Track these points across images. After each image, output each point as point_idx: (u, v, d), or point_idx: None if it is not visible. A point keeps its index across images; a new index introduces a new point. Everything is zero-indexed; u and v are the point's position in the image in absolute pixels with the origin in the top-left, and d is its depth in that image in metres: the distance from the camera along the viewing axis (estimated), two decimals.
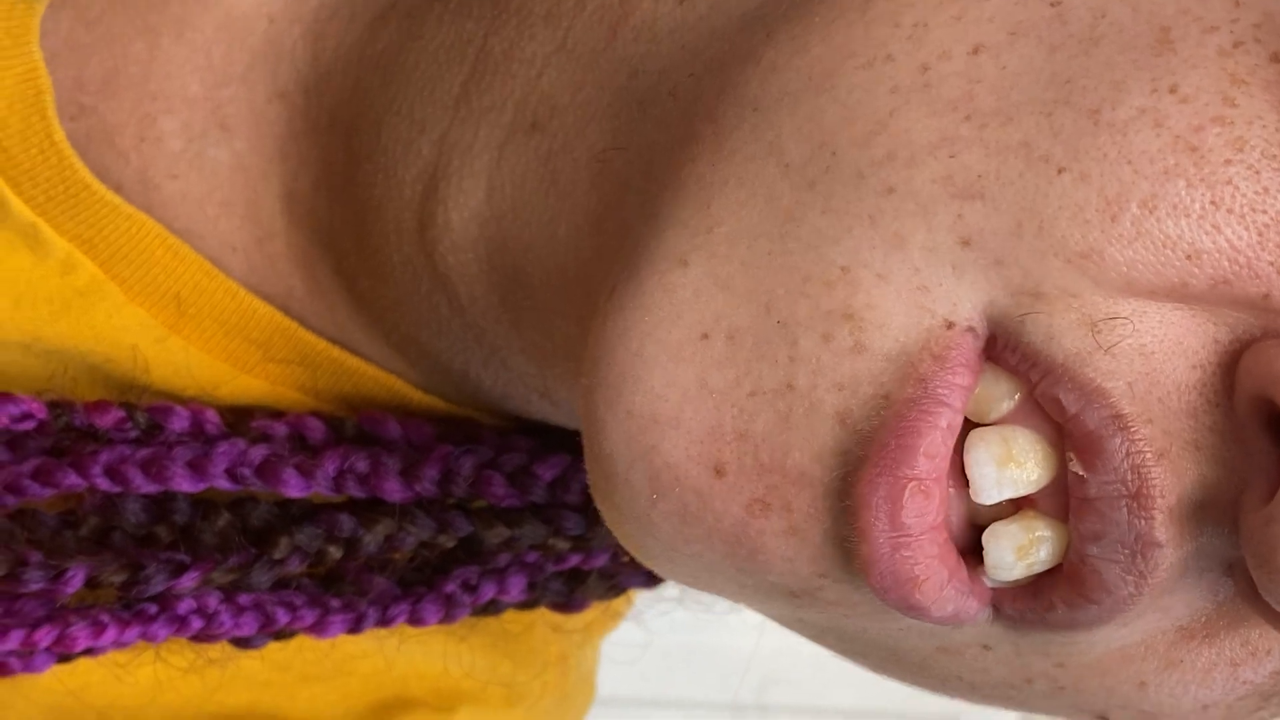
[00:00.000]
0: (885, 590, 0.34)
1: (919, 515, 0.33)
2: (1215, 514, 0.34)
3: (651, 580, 0.53)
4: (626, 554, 0.50)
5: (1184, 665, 0.36)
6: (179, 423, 0.47)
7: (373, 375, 0.49)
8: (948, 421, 0.33)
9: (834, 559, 0.35)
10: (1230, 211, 0.32)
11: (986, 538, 0.35)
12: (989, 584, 0.35)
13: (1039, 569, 0.35)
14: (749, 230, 0.35)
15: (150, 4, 0.48)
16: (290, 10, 0.48)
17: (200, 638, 0.48)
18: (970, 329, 0.34)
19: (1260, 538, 0.32)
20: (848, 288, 0.34)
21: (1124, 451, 0.33)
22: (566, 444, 0.50)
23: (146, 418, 0.47)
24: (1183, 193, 0.32)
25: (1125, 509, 0.33)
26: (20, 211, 0.46)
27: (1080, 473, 0.33)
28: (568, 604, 0.52)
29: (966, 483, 0.35)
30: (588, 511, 0.49)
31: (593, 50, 0.41)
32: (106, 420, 0.46)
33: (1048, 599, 0.35)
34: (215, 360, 0.48)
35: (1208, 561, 0.34)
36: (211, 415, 0.48)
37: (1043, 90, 0.33)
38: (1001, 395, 0.34)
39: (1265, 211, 0.32)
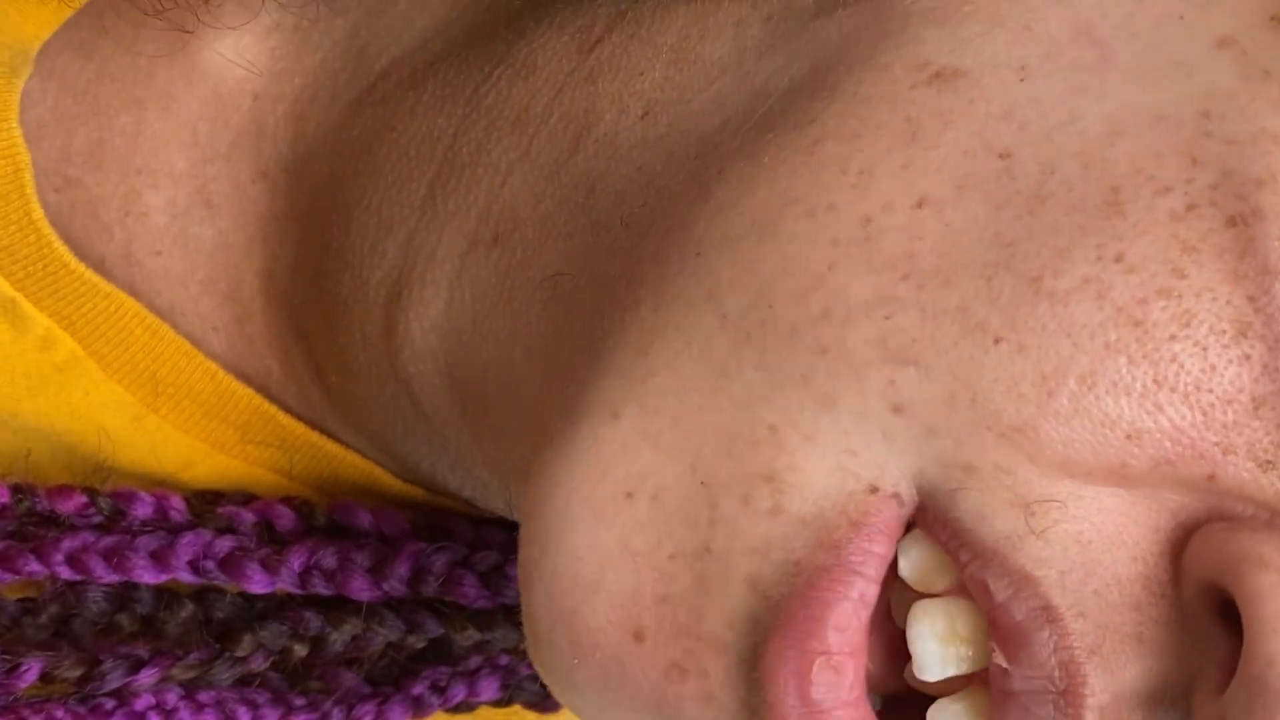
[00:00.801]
0: None
1: (830, 690, 0.32)
2: (1165, 704, 0.32)
3: None
4: None
5: None
6: (143, 509, 0.47)
7: (351, 461, 0.49)
8: (859, 592, 0.32)
9: None
10: (1174, 390, 0.31)
11: (931, 714, 0.34)
12: None
13: None
14: (682, 383, 0.34)
15: (136, 77, 0.48)
16: (274, 89, 0.47)
17: None
18: (895, 495, 0.33)
19: None
20: (773, 448, 0.33)
21: (1051, 646, 0.32)
22: None
23: (110, 504, 0.46)
24: (1124, 370, 0.31)
25: (1051, 705, 0.32)
26: None
27: (1003, 665, 0.32)
28: (544, 704, 0.51)
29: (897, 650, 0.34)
30: None
31: (555, 161, 0.41)
32: (68, 506, 0.46)
33: None
34: (192, 440, 0.48)
35: None
36: (176, 502, 0.47)
37: (984, 252, 0.32)
38: (938, 571, 0.33)
39: (1211, 390, 0.31)
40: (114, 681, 0.46)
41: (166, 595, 0.47)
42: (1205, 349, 0.31)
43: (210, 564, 0.46)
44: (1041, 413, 0.31)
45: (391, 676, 0.49)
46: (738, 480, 0.33)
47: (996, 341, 0.32)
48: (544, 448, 0.36)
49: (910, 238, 0.33)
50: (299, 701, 0.48)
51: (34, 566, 0.45)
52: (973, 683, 0.33)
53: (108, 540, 0.46)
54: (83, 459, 0.47)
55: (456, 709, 0.50)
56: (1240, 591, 0.31)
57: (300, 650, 0.47)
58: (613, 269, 0.38)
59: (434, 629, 0.48)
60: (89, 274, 0.46)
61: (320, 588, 0.47)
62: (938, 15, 0.35)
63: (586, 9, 0.42)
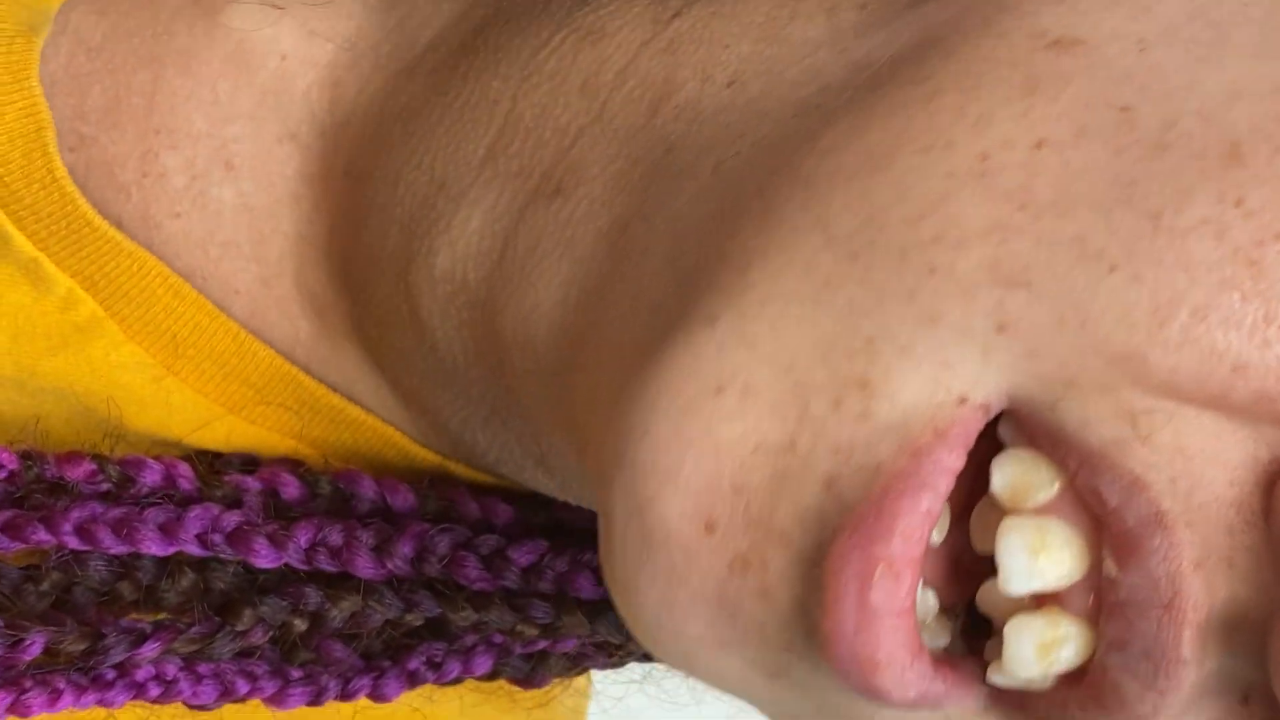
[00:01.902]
0: (845, 673, 0.33)
1: (887, 596, 0.33)
2: (1242, 636, 0.33)
3: (614, 662, 0.53)
4: (592, 641, 0.50)
5: None
6: (151, 476, 0.46)
7: (370, 425, 0.49)
8: (928, 506, 0.33)
9: (799, 631, 0.34)
10: None
11: (1009, 630, 0.34)
12: (1000, 681, 0.34)
13: (1058, 669, 0.34)
14: (783, 294, 0.34)
15: (155, 33, 0.47)
16: (303, 51, 0.47)
17: (158, 703, 0.47)
18: (984, 406, 0.33)
19: None
20: (869, 357, 0.33)
21: (1162, 554, 0.32)
22: (545, 525, 0.50)
23: (118, 471, 0.46)
24: (1236, 305, 0.32)
25: (1156, 620, 0.32)
26: (22, 247, 0.46)
27: (1113, 573, 0.33)
28: (528, 680, 0.52)
29: (970, 574, 0.34)
30: (558, 601, 0.49)
31: (631, 125, 0.41)
32: (77, 473, 0.46)
33: (1061, 698, 0.34)
34: (210, 403, 0.48)
35: (1225, 685, 0.34)
36: (185, 470, 0.47)
37: (1104, 189, 0.33)
38: (1041, 483, 0.33)
39: None
40: (117, 655, 0.46)
41: (169, 565, 0.47)
42: None
43: (218, 537, 0.46)
44: (1151, 340, 0.32)
45: (388, 651, 0.49)
46: (831, 384, 0.33)
47: (1112, 269, 0.32)
48: (628, 360, 0.36)
49: (1028, 174, 0.33)
50: (296, 674, 0.48)
51: (42, 535, 0.45)
52: (1046, 603, 0.34)
53: (117, 511, 0.46)
54: (100, 419, 0.47)
55: (449, 684, 0.50)
56: None
57: (300, 625, 0.47)
58: (698, 211, 0.38)
59: (431, 608, 0.48)
60: (113, 232, 0.46)
61: (325, 564, 0.47)
62: None
63: None
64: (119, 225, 0.47)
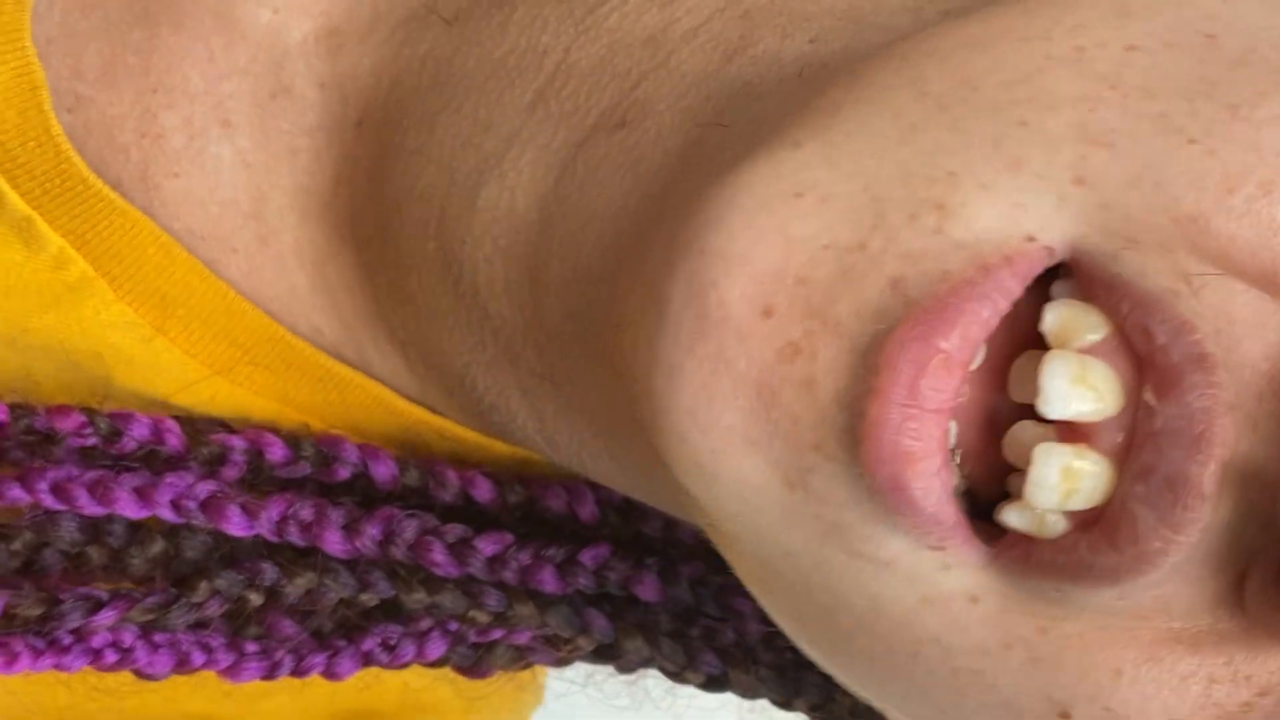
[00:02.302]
0: (880, 462, 0.34)
1: (935, 391, 0.33)
2: (1254, 493, 0.34)
3: (560, 661, 0.54)
4: (542, 634, 0.51)
5: (1163, 664, 0.36)
6: (139, 430, 0.47)
7: (359, 383, 0.49)
8: (988, 314, 0.34)
9: (834, 427, 0.34)
10: None
11: (1037, 453, 0.34)
12: (1014, 521, 0.35)
13: (1075, 504, 0.34)
14: (870, 130, 0.35)
15: None
16: (294, 3, 0.47)
17: (114, 670, 0.47)
18: (1049, 249, 0.34)
19: None
20: (948, 186, 0.34)
21: (1201, 389, 0.33)
22: (520, 506, 0.50)
23: (108, 424, 0.46)
24: None
25: (1184, 448, 0.33)
26: (16, 205, 0.46)
27: (1152, 402, 0.34)
28: (473, 669, 0.52)
29: (1000, 429, 0.35)
30: (511, 590, 0.50)
31: (702, 72, 0.42)
32: (67, 424, 0.46)
33: (1072, 541, 0.34)
34: (197, 364, 0.48)
35: (1226, 554, 0.35)
36: (172, 425, 0.47)
37: (1189, 84, 0.35)
38: (1088, 328, 0.35)
39: None
40: (73, 621, 0.46)
41: (140, 530, 0.47)
42: None
43: (191, 504, 0.46)
44: (1217, 205, 0.34)
45: (344, 631, 0.49)
46: (909, 202, 0.34)
47: (1190, 142, 0.34)
48: (705, 178, 0.36)
49: (1119, 65, 0.35)
50: (251, 648, 0.48)
51: (17, 493, 0.45)
52: (1075, 440, 0.35)
53: (93, 473, 0.46)
54: (88, 377, 0.47)
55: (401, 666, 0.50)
56: None
57: (256, 599, 0.48)
58: (779, 105, 0.39)
59: (385, 589, 0.49)
60: (106, 190, 0.46)
61: (295, 538, 0.47)
62: None
63: None
64: (118, 187, 0.47)
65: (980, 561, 0.35)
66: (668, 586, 0.51)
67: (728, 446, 0.35)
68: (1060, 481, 0.34)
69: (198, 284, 0.47)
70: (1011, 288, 0.34)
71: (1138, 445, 0.34)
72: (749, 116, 0.40)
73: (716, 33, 0.42)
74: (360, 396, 0.49)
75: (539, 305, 0.44)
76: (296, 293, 0.48)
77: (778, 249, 0.34)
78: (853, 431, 0.34)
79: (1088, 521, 0.35)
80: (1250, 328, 0.34)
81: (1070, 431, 0.35)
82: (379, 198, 0.46)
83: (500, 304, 0.44)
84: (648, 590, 0.50)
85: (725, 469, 0.36)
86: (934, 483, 0.34)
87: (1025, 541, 0.35)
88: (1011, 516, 0.35)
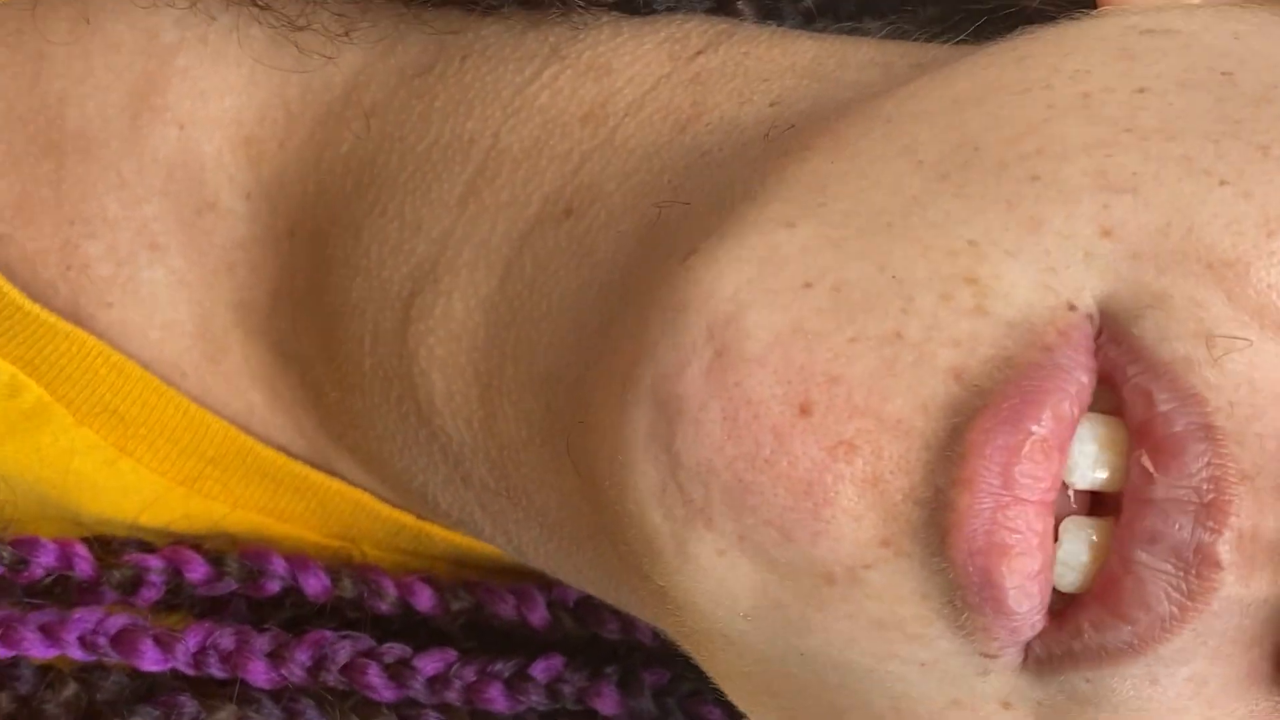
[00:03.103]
0: (971, 553, 0.31)
1: (1034, 478, 0.31)
2: None
3: None
4: None
5: None
6: (46, 558, 0.45)
7: (338, 490, 0.47)
8: (1076, 390, 0.31)
9: (909, 522, 0.32)
10: None
11: (1065, 526, 0.32)
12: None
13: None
14: (869, 207, 0.33)
15: (48, 119, 0.45)
16: (200, 115, 0.45)
17: None
18: (1089, 317, 0.32)
19: None
20: (973, 258, 0.32)
21: (1205, 460, 0.31)
22: (467, 612, 0.47)
23: (11, 553, 0.45)
24: None
25: (1192, 516, 0.31)
26: None
27: (1150, 469, 0.31)
28: None
29: None
30: (454, 715, 0.47)
31: (652, 144, 0.40)
32: None
33: (1075, 622, 0.32)
34: (169, 482, 0.46)
35: (1261, 633, 0.32)
36: (80, 550, 0.45)
37: (1210, 124, 0.33)
38: (1102, 393, 0.32)
39: None
40: None
41: (50, 674, 0.45)
42: None
43: (103, 640, 0.44)
44: (1257, 251, 0.32)
45: None
46: (936, 279, 0.32)
47: (1222, 184, 0.32)
48: (679, 262, 0.34)
49: (1132, 108, 0.33)
50: None
51: None
52: (1103, 513, 0.32)
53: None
54: (56, 506, 0.46)
55: None
56: None
57: None
58: (746, 171, 0.37)
59: (315, 719, 0.46)
60: (45, 315, 0.45)
61: (216, 670, 0.45)
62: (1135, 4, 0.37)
63: (667, 22, 0.41)
64: None
65: (1014, 664, 0.33)
66: (629, 697, 0.48)
67: (753, 541, 0.33)
68: (1091, 560, 0.32)
69: (155, 400, 0.45)
70: (1084, 362, 0.32)
71: (1135, 511, 0.31)
72: (712, 187, 0.38)
73: (664, 102, 0.40)
74: (340, 504, 0.47)
75: (491, 414, 0.41)
76: (255, 410, 0.46)
77: (800, 347, 0.32)
78: (937, 525, 0.32)
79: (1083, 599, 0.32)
80: (1278, 396, 0.32)
81: (1098, 507, 0.33)
82: (318, 312, 0.44)
83: (446, 420, 0.42)
84: (607, 704, 0.47)
85: (740, 570, 0.34)
86: (1031, 586, 0.31)
87: (1040, 638, 0.33)
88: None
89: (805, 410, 0.32)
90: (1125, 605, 0.31)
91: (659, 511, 0.34)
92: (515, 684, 0.47)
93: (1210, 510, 0.31)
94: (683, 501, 0.33)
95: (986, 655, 0.32)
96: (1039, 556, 0.31)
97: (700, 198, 0.37)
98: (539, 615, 0.48)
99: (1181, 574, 0.31)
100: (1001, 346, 0.32)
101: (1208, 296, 0.32)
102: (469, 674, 0.46)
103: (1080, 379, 0.32)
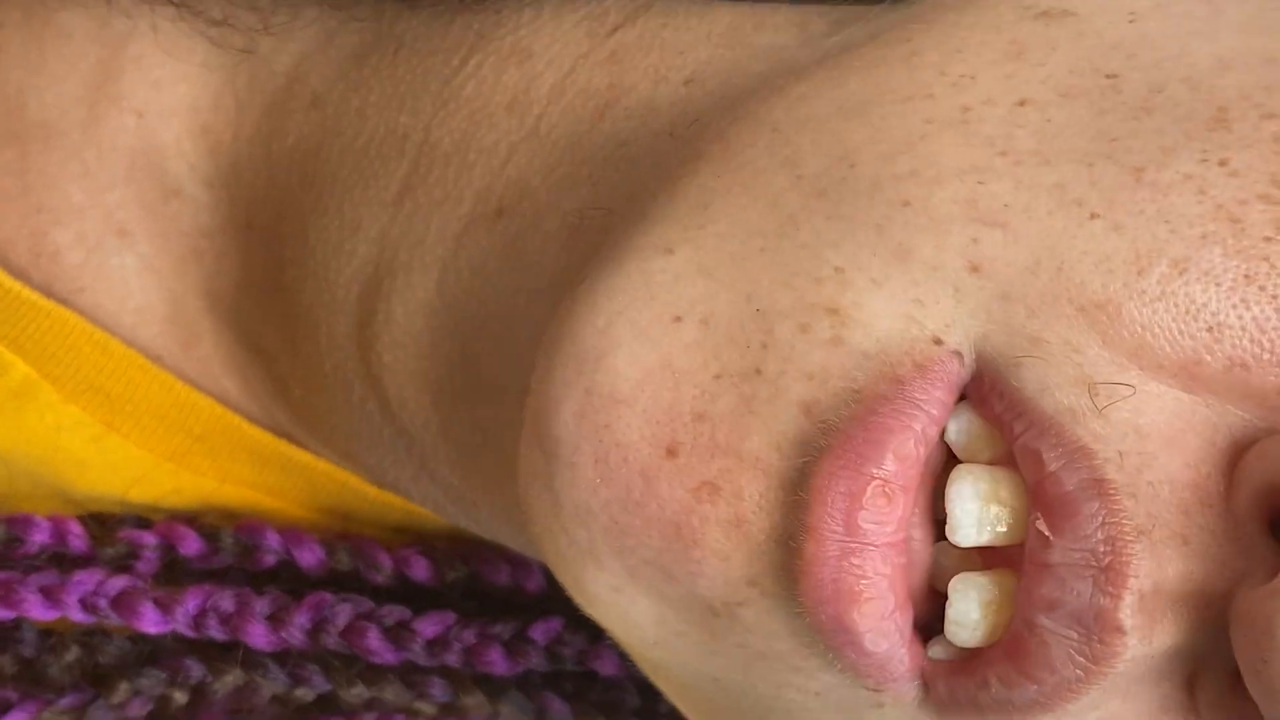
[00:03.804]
0: (821, 602, 0.31)
1: (877, 522, 0.31)
2: (1201, 610, 0.31)
3: None
4: None
5: None
6: (40, 535, 0.44)
7: (325, 470, 0.47)
8: (923, 427, 0.31)
9: (770, 562, 0.32)
10: (1262, 290, 0.30)
11: (954, 585, 0.32)
12: (933, 655, 0.32)
13: (999, 635, 0.32)
14: (745, 229, 0.33)
15: (8, 109, 0.45)
16: (156, 104, 0.44)
17: None
18: (957, 354, 0.31)
19: (1260, 613, 0.29)
20: (838, 286, 0.31)
21: (1100, 520, 0.30)
22: (463, 582, 0.47)
23: (5, 530, 0.44)
24: (1217, 260, 0.30)
25: (1090, 581, 0.30)
26: None
27: (1045, 533, 0.30)
28: None
29: (929, 536, 0.32)
30: (457, 678, 0.46)
31: (574, 133, 0.39)
32: None
33: (982, 675, 0.31)
34: (157, 458, 0.46)
35: (1168, 668, 0.31)
36: (74, 526, 0.45)
37: (1086, 143, 0.32)
38: (991, 441, 0.32)
39: None
40: None
41: (52, 637, 0.45)
42: None
43: (103, 601, 0.44)
44: (1128, 290, 0.30)
45: None
46: (797, 310, 0.31)
47: (1092, 217, 0.31)
48: (570, 291, 0.34)
49: (1010, 126, 0.32)
50: None
51: None
52: (999, 563, 0.32)
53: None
54: (46, 483, 0.45)
55: None
56: None
57: (180, 698, 0.45)
58: (655, 176, 0.36)
59: (321, 683, 0.46)
60: (28, 292, 0.44)
61: (216, 632, 0.45)
62: None
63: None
64: None
65: (914, 700, 0.32)
66: (629, 659, 0.47)
67: (642, 578, 0.33)
68: (983, 618, 0.32)
69: (140, 377, 0.45)
70: (939, 396, 0.31)
71: (1033, 576, 0.31)
72: (629, 191, 0.37)
73: (583, 84, 0.40)
74: (328, 483, 0.47)
75: (446, 420, 0.41)
76: (229, 396, 0.46)
77: (668, 387, 0.32)
78: (790, 569, 0.31)
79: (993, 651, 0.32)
80: (1166, 440, 0.31)
81: (992, 554, 0.32)
82: (279, 309, 0.44)
83: (404, 424, 0.42)
84: (607, 665, 0.47)
85: (639, 604, 0.34)
86: (886, 625, 0.31)
87: (946, 678, 0.32)
88: (937, 651, 0.32)
89: (672, 452, 0.32)
90: (1031, 666, 0.31)
91: (553, 551, 0.34)
92: (515, 646, 0.46)
93: (1109, 574, 0.30)
94: (569, 542, 0.33)
95: (871, 690, 0.32)
96: (891, 597, 0.31)
97: (619, 203, 0.37)
98: (535, 581, 0.47)
99: (1084, 640, 0.30)
100: (851, 379, 0.31)
101: (1082, 340, 0.31)
102: (469, 636, 0.46)
103: (931, 412, 0.31)
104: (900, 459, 0.31)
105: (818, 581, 0.31)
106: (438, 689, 0.46)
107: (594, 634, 0.47)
